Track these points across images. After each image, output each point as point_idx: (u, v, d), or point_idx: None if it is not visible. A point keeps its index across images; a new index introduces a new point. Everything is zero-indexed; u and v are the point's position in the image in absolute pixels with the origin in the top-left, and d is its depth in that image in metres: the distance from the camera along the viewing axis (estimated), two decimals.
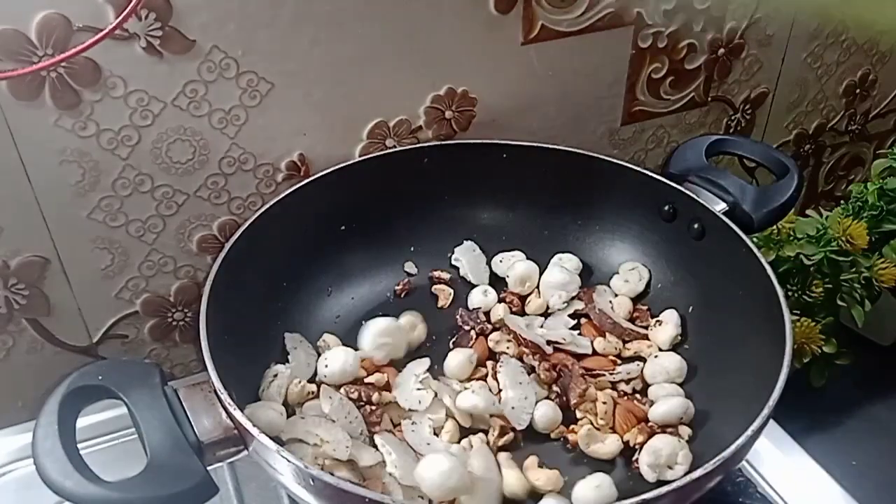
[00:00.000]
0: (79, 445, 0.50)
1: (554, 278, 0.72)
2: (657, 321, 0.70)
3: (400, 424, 0.62)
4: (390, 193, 0.74)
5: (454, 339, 0.70)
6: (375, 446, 0.59)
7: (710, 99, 0.89)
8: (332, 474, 0.49)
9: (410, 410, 0.63)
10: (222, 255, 0.62)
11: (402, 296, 0.75)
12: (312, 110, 0.70)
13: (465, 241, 0.77)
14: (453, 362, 0.66)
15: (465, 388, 0.63)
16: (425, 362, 0.66)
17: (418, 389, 0.63)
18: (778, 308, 0.58)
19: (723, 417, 0.61)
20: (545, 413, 0.62)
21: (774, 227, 0.77)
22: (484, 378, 0.66)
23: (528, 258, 0.75)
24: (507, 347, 0.68)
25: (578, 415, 0.64)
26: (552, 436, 0.63)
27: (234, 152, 0.69)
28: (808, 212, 0.81)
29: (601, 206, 0.75)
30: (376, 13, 0.68)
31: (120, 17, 0.57)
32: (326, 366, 0.64)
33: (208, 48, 0.63)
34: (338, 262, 0.73)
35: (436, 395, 0.63)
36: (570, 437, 0.62)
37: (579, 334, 0.69)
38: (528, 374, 0.65)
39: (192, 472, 0.49)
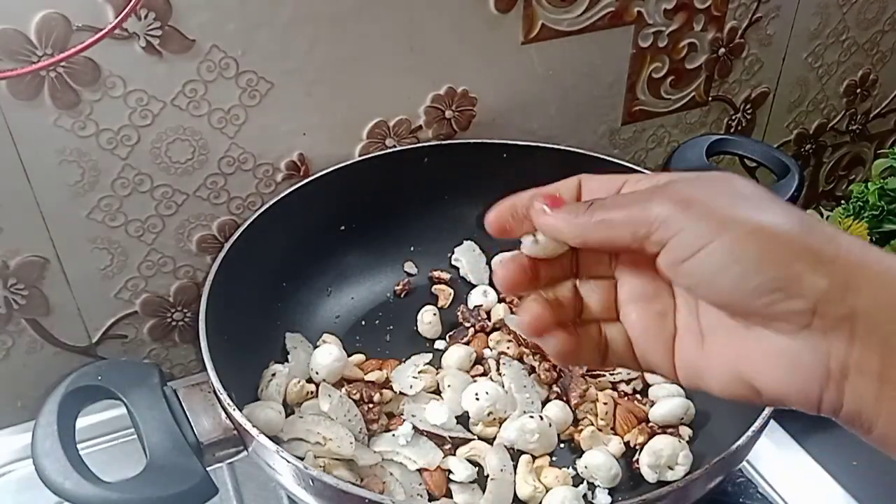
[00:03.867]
0: (78, 445, 0.50)
1: None
2: None
3: (396, 417, 0.63)
4: (390, 193, 0.74)
5: (451, 334, 0.70)
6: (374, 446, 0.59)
7: (710, 98, 0.89)
8: (331, 475, 0.49)
9: (401, 394, 0.63)
10: (222, 255, 0.62)
11: (402, 296, 0.75)
12: (312, 110, 0.70)
13: (465, 241, 0.77)
14: (452, 358, 0.67)
15: (473, 381, 0.65)
16: (427, 356, 0.67)
17: (414, 377, 0.64)
18: None
19: (723, 418, 0.60)
20: (555, 413, 0.62)
21: None
22: (482, 375, 0.66)
23: None
24: (508, 347, 0.68)
25: (579, 415, 0.64)
26: (561, 436, 0.63)
27: (234, 152, 0.69)
28: (809, 212, 0.81)
29: None
30: (376, 13, 0.68)
31: (119, 17, 0.57)
32: (312, 367, 0.64)
33: (208, 48, 0.63)
34: (338, 262, 0.73)
35: (438, 385, 0.65)
36: (576, 437, 0.62)
37: None
38: (529, 375, 0.65)
39: (191, 472, 0.49)
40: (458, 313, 0.72)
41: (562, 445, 0.62)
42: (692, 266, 0.33)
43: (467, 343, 0.69)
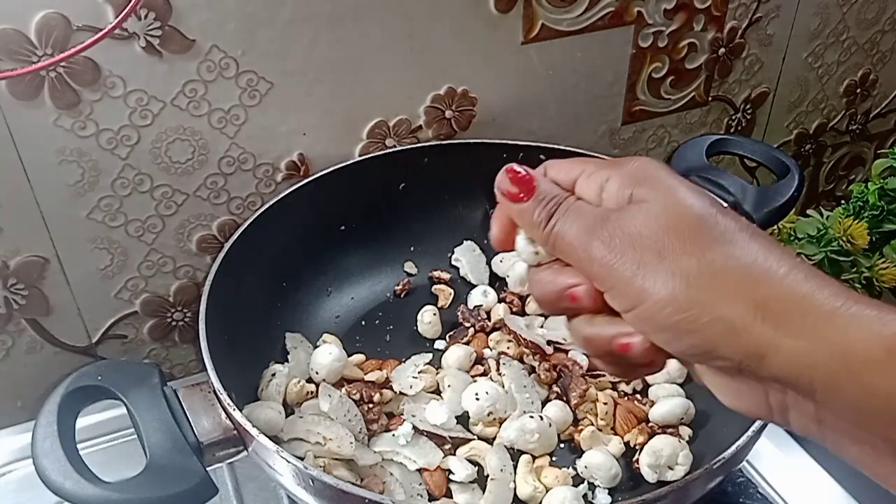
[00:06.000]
0: (78, 445, 0.50)
1: None
2: None
3: (396, 417, 0.63)
4: (390, 193, 0.74)
5: (451, 334, 0.71)
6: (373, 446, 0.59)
7: (710, 98, 0.89)
8: (331, 475, 0.49)
9: (401, 394, 0.63)
10: (222, 255, 0.62)
11: (402, 296, 0.75)
12: (312, 110, 0.70)
13: (465, 241, 0.77)
14: (452, 358, 0.67)
15: (473, 381, 0.65)
16: (427, 356, 0.68)
17: (414, 377, 0.64)
18: None
19: (723, 418, 0.60)
20: (555, 413, 0.62)
21: (775, 227, 0.76)
22: (482, 375, 0.66)
23: None
24: (508, 348, 0.68)
25: (579, 415, 0.64)
26: (561, 436, 0.63)
27: (234, 152, 0.69)
28: (809, 212, 0.81)
29: None
30: (376, 13, 0.68)
31: (119, 17, 0.57)
32: (312, 367, 0.64)
33: (208, 48, 0.63)
34: (338, 262, 0.73)
35: (438, 385, 0.65)
36: (576, 437, 0.62)
37: None
38: (529, 375, 0.65)
39: (191, 472, 0.49)
40: (458, 313, 0.72)
41: (562, 445, 0.62)
42: (628, 319, 0.34)
43: (467, 343, 0.69)
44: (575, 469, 0.60)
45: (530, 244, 0.39)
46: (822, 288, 0.31)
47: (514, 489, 0.58)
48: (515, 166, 0.39)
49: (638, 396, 0.65)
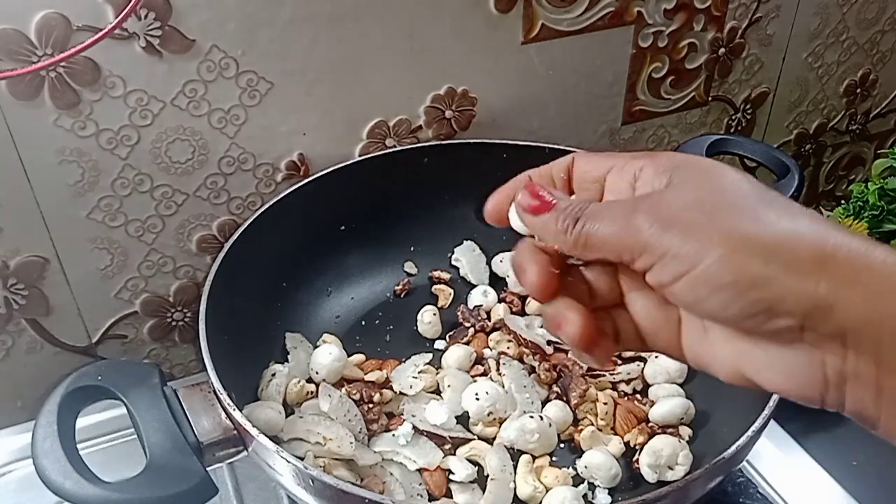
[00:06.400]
0: (79, 445, 0.50)
1: None
2: None
3: (396, 417, 0.63)
4: (390, 193, 0.74)
5: (451, 334, 0.71)
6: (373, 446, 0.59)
7: (710, 98, 0.89)
8: (331, 475, 0.49)
9: (401, 394, 0.63)
10: (222, 255, 0.62)
11: (402, 296, 0.75)
12: (312, 110, 0.70)
13: (465, 241, 0.77)
14: (452, 358, 0.67)
15: (473, 381, 0.65)
16: (427, 356, 0.68)
17: (414, 377, 0.64)
18: None
19: (723, 418, 0.60)
20: (555, 413, 0.62)
21: None
22: (482, 375, 0.66)
23: None
24: (508, 348, 0.68)
25: (579, 415, 0.64)
26: (561, 436, 0.63)
27: (234, 152, 0.69)
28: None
29: None
30: (376, 13, 0.68)
31: (119, 17, 0.57)
32: (312, 367, 0.64)
33: (208, 48, 0.63)
34: (338, 263, 0.73)
35: (438, 385, 0.65)
36: (576, 437, 0.62)
37: None
38: (529, 375, 0.65)
39: (191, 472, 0.49)
40: (458, 313, 0.72)
41: (562, 445, 0.62)
42: (677, 290, 0.33)
43: (467, 343, 0.69)
44: (575, 469, 0.60)
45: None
46: (877, 247, 0.31)
47: (514, 489, 0.58)
48: (534, 185, 0.38)
49: (638, 396, 0.65)
